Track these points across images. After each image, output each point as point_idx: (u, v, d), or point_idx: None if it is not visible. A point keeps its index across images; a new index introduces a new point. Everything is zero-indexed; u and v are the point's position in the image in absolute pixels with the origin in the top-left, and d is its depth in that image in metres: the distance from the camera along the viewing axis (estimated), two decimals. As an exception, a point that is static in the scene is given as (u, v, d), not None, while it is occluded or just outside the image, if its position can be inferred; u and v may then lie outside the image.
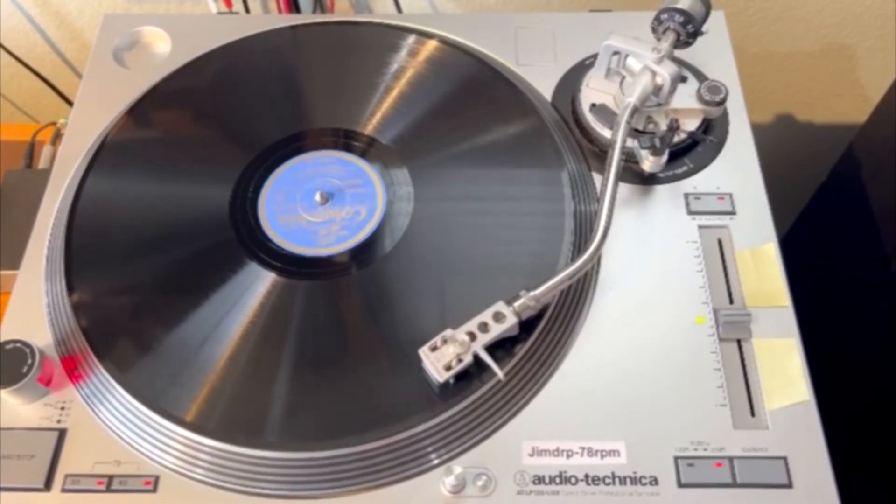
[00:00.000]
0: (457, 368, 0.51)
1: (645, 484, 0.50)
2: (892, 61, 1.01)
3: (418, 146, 0.63)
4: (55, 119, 0.81)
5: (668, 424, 0.52)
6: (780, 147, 1.12)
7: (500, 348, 0.53)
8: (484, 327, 0.52)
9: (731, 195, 0.62)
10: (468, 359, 0.51)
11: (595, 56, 0.65)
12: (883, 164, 0.81)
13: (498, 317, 0.53)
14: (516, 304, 0.53)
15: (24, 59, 0.97)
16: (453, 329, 0.52)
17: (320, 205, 0.61)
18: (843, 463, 0.53)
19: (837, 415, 0.58)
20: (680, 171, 0.63)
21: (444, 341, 0.52)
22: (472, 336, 0.52)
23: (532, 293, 0.53)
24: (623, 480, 0.51)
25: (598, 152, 0.63)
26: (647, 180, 0.62)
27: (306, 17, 0.81)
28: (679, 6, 0.61)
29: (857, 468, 0.80)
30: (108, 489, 0.51)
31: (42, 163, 0.78)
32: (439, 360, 0.52)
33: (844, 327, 0.89)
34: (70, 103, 0.94)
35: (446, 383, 0.52)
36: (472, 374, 0.52)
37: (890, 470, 0.78)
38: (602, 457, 0.51)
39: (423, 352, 0.52)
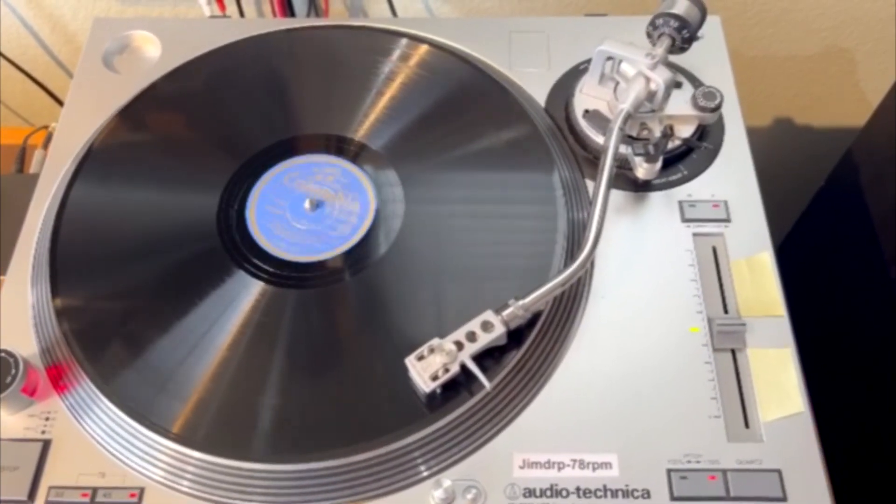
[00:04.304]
0: (443, 378, 0.51)
1: (637, 497, 0.50)
2: (891, 65, 1.01)
3: (410, 152, 0.63)
4: (49, 122, 0.81)
5: (661, 436, 0.52)
6: (778, 151, 1.11)
7: (488, 357, 0.53)
8: (472, 336, 0.52)
9: (726, 202, 0.61)
10: (455, 369, 0.51)
11: (589, 61, 0.64)
12: (882, 168, 0.81)
13: (486, 326, 0.52)
14: (505, 312, 0.52)
15: (17, 62, 0.97)
16: (442, 338, 0.52)
17: (310, 212, 0.60)
18: (838, 476, 0.52)
19: (833, 426, 0.57)
20: (674, 177, 0.62)
21: (431, 350, 0.51)
22: (460, 345, 0.51)
23: (521, 302, 0.52)
24: (615, 493, 0.50)
25: (591, 159, 0.63)
26: (641, 187, 0.62)
27: (300, 20, 0.80)
28: (674, 11, 0.60)
29: (853, 481, 0.79)
30: (93, 501, 0.50)
31: (33, 167, 0.77)
32: (426, 369, 0.51)
33: (841, 336, 0.88)
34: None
35: (433, 393, 0.51)
36: (461, 384, 0.52)
37: (887, 482, 0.77)
38: (594, 469, 0.51)
39: (410, 361, 0.51)
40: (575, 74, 0.67)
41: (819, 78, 1.03)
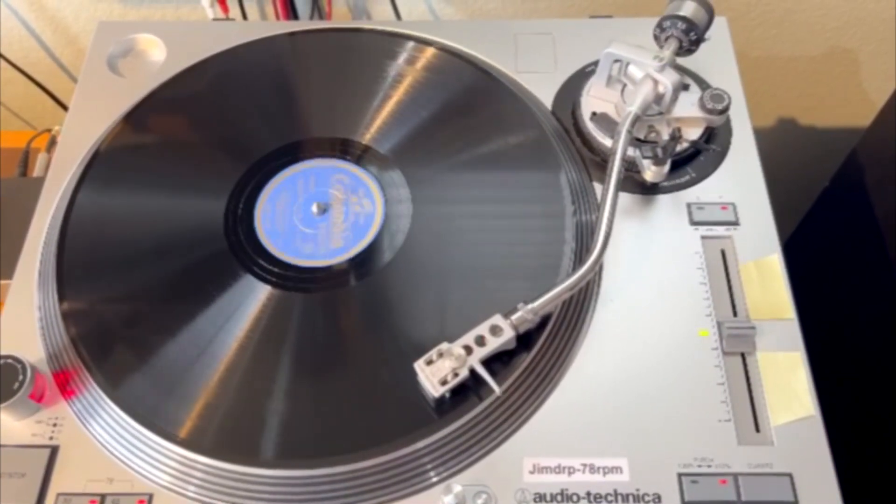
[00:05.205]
0: (452, 383, 0.50)
1: (648, 501, 0.50)
2: (894, 65, 1.00)
3: (416, 156, 0.63)
4: (52, 125, 0.80)
5: (672, 440, 0.51)
6: (783, 152, 1.11)
7: (497, 361, 0.52)
8: (481, 341, 0.52)
9: (734, 205, 0.61)
10: (464, 373, 0.51)
11: (596, 63, 0.64)
12: (887, 168, 0.81)
13: (495, 330, 0.52)
14: (514, 317, 0.52)
15: (20, 65, 0.96)
16: (451, 342, 0.52)
17: (317, 216, 0.60)
18: (846, 478, 0.52)
19: (843, 429, 0.57)
20: (682, 180, 0.62)
21: (440, 355, 0.51)
22: (469, 350, 0.51)
23: (530, 306, 0.52)
24: (626, 498, 0.50)
25: (599, 162, 0.63)
26: (649, 190, 0.62)
27: (303, 23, 0.80)
28: (681, 13, 0.60)
29: (864, 484, 0.79)
30: (101, 508, 0.50)
31: (37, 171, 0.77)
32: (435, 374, 0.51)
33: (845, 336, 0.88)
34: (66, 109, 0.93)
35: (442, 398, 0.51)
36: (470, 389, 0.52)
37: (895, 484, 0.77)
38: (604, 474, 0.50)
39: (419, 365, 0.51)
40: (581, 77, 0.67)
41: (823, 79, 1.03)
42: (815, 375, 0.54)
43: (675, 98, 0.60)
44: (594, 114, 0.63)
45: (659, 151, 0.58)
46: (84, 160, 0.64)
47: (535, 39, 0.71)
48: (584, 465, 0.51)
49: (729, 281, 0.58)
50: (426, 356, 0.51)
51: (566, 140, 0.64)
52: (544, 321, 0.54)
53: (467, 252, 0.58)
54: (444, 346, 0.51)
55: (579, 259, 0.57)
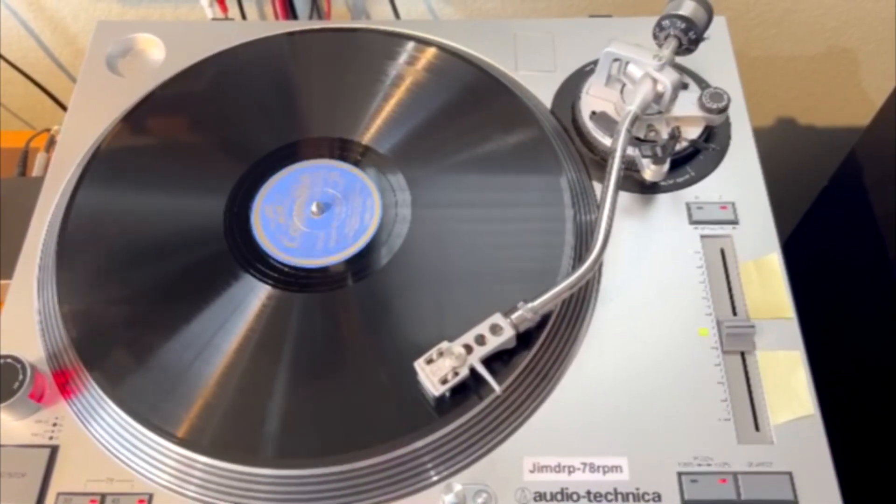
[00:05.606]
0: (453, 382, 0.50)
1: (648, 500, 0.50)
2: (894, 65, 1.01)
3: (416, 156, 0.63)
4: (51, 125, 0.80)
5: (671, 439, 0.52)
6: (782, 151, 1.11)
7: (497, 360, 0.52)
8: (481, 340, 0.52)
9: (733, 204, 0.61)
10: (464, 372, 0.51)
11: (595, 63, 0.64)
12: (886, 168, 0.81)
13: (495, 329, 0.52)
14: (514, 315, 0.52)
15: (19, 65, 0.96)
16: (451, 341, 0.52)
17: (316, 216, 0.60)
18: (849, 478, 0.52)
19: (843, 428, 0.57)
20: (681, 179, 0.62)
21: (440, 354, 0.51)
22: (469, 349, 0.51)
23: (530, 305, 0.52)
24: (626, 497, 0.50)
25: (598, 161, 0.63)
26: (649, 189, 0.62)
27: (303, 23, 0.80)
28: (681, 12, 0.60)
29: (863, 483, 0.79)
30: (101, 508, 0.50)
31: (36, 170, 0.77)
32: (435, 373, 0.51)
33: (844, 335, 0.88)
34: (65, 108, 0.93)
35: (442, 397, 0.51)
36: (471, 388, 0.52)
37: (895, 483, 0.77)
38: (604, 473, 0.50)
39: (419, 364, 0.51)
40: (581, 76, 0.67)
41: (822, 78, 1.03)
42: (814, 374, 0.54)
43: (674, 97, 0.60)
44: (594, 113, 0.63)
45: (658, 150, 0.58)
46: (83, 160, 0.64)
47: (535, 39, 0.71)
48: (584, 464, 0.51)
49: (728, 280, 0.58)
50: (426, 355, 0.51)
51: (566, 139, 0.64)
52: (544, 320, 0.54)
53: (467, 251, 0.58)
54: (444, 344, 0.51)
55: (579, 258, 0.57)
